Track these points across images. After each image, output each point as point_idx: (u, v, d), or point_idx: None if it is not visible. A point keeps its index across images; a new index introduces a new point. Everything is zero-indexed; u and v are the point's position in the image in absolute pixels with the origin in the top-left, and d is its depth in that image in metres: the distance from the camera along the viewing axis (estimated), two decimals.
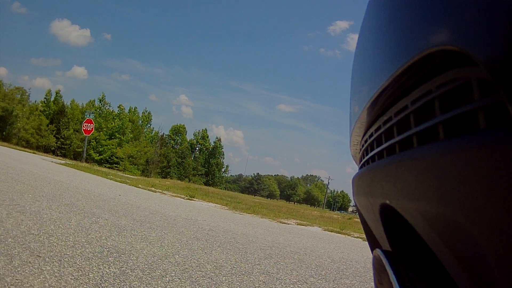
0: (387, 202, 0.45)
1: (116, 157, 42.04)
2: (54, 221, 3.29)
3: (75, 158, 34.11)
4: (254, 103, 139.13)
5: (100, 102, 45.64)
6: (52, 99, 44.53)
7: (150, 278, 2.24)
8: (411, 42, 0.36)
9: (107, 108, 45.37)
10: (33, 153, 22.68)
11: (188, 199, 10.17)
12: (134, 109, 49.28)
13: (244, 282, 2.60)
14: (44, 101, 44.44)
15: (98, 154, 41.64)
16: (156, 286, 2.11)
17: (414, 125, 0.39)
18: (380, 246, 0.68)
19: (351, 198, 0.89)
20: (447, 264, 0.35)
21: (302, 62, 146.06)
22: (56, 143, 40.69)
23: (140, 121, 49.43)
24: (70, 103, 45.20)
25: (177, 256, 2.98)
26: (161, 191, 10.93)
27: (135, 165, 42.69)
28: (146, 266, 2.49)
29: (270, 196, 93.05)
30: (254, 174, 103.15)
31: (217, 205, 10.06)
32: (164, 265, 2.62)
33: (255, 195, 74.13)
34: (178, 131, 56.30)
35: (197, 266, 2.77)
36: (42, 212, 3.61)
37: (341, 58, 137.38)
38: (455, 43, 0.27)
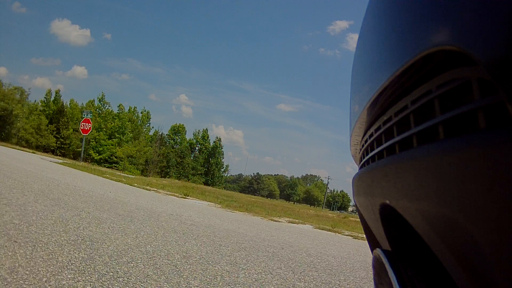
0: (387, 202, 0.45)
1: (115, 157, 41.99)
2: (37, 213, 3.38)
3: (74, 158, 34.05)
4: (254, 103, 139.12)
5: (99, 101, 45.58)
6: (52, 98, 44.47)
7: (115, 263, 2.34)
8: (411, 42, 0.36)
9: (106, 108, 45.33)
10: (33, 152, 22.64)
11: (182, 197, 10.08)
12: (134, 108, 49.18)
13: (208, 270, 2.66)
14: (44, 101, 44.36)
15: (97, 154, 41.58)
16: (118, 270, 2.22)
17: (414, 125, 0.39)
18: (380, 246, 0.68)
19: (351, 198, 0.89)
20: (447, 264, 0.35)
21: (302, 61, 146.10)
22: (56, 143, 40.61)
23: (140, 121, 49.32)
24: (69, 103, 45.12)
25: (149, 246, 3.05)
26: (155, 189, 10.86)
27: (134, 165, 42.65)
28: (115, 253, 2.59)
29: (270, 196, 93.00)
30: (254, 173, 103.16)
31: (210, 203, 10.01)
32: (133, 253, 2.69)
33: (254, 195, 74.11)
34: (177, 130, 56.23)
35: (165, 255, 2.84)
36: (27, 205, 3.69)
37: (340, 57, 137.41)
38: (455, 43, 0.27)
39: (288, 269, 3.23)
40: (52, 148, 39.81)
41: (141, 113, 50.45)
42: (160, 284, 2.12)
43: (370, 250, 0.78)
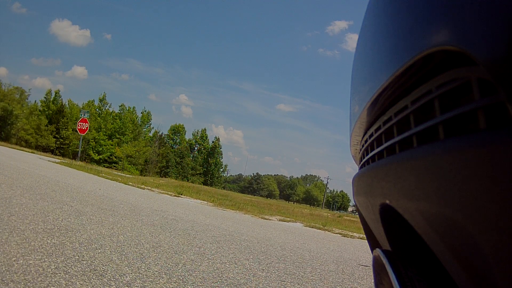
0: (387, 202, 0.45)
1: (115, 157, 41.99)
2: (21, 205, 3.45)
3: (74, 158, 33.96)
4: (253, 103, 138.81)
5: (100, 101, 45.56)
6: (52, 99, 44.43)
7: (84, 249, 2.45)
8: (411, 42, 0.36)
9: (106, 108, 45.30)
10: (32, 152, 22.61)
11: (175, 195, 9.96)
12: (133, 108, 49.15)
13: (172, 258, 2.71)
14: (44, 101, 44.32)
15: (97, 154, 41.58)
16: (85, 254, 2.32)
17: (414, 125, 0.39)
18: (380, 246, 0.68)
19: (351, 198, 0.89)
20: (447, 264, 0.35)
21: (302, 62, 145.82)
22: (56, 143, 40.58)
23: (139, 121, 49.28)
24: (68, 103, 45.05)
25: (122, 236, 3.10)
26: (150, 188, 10.74)
27: (133, 165, 42.64)
28: (86, 241, 2.68)
29: (270, 196, 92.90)
30: (253, 174, 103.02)
31: (203, 201, 9.90)
32: (103, 242, 2.77)
33: (254, 195, 74.06)
34: (177, 131, 56.22)
35: (135, 245, 2.89)
36: (13, 198, 3.75)
37: (340, 58, 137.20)
38: (455, 43, 0.27)
39: (256, 260, 3.24)
40: (52, 148, 39.77)
41: (142, 113, 50.44)
42: (120, 268, 2.22)
43: (370, 250, 0.78)
